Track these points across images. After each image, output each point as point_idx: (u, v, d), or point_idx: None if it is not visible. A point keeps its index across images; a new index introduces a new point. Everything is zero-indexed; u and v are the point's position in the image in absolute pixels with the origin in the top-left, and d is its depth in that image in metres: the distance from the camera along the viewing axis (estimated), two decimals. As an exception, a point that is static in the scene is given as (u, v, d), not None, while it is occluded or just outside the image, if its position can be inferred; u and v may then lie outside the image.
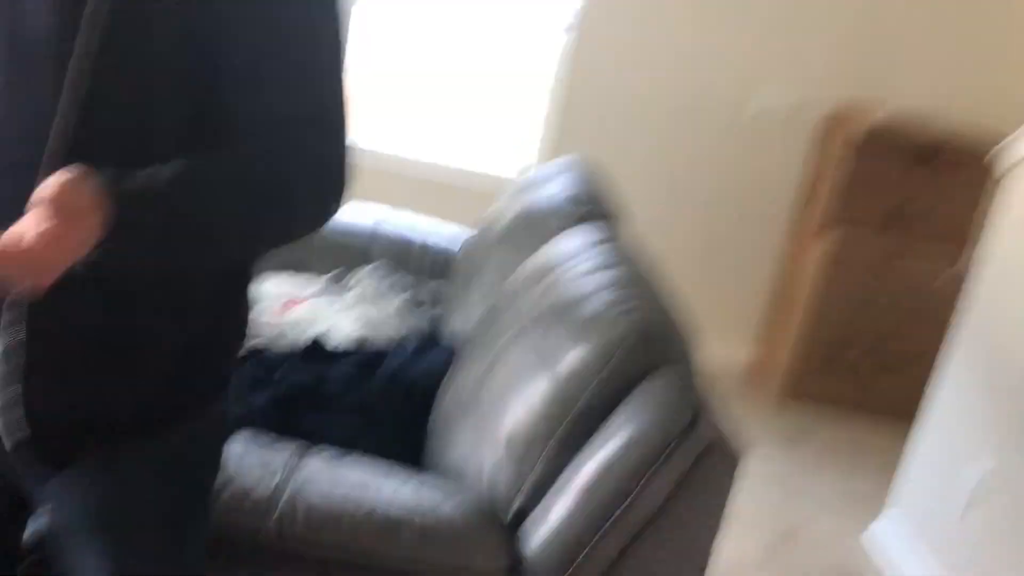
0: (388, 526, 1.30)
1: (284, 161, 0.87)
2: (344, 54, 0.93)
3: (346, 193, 0.94)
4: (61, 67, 0.80)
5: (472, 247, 2.31)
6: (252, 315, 1.08)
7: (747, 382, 3.57)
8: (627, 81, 3.39)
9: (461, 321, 2.09)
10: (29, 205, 0.72)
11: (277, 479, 1.32)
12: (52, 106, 0.81)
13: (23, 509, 1.11)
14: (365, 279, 2.29)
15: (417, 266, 2.47)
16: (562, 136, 3.47)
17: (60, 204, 0.70)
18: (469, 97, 3.58)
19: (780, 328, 3.51)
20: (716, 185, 3.52)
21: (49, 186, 0.72)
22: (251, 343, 1.94)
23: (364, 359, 1.84)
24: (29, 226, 0.69)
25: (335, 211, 0.94)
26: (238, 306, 1.04)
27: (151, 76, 0.83)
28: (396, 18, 3.50)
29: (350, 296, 2.25)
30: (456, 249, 2.52)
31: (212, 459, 1.09)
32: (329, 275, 2.35)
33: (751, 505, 2.75)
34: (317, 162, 0.89)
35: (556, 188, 2.13)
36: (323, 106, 0.90)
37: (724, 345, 3.74)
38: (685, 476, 1.30)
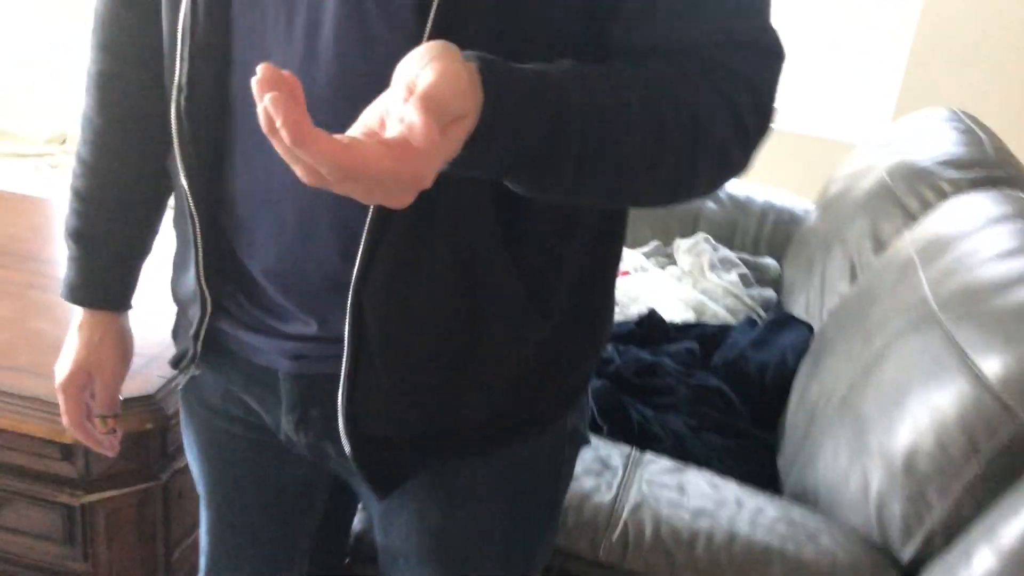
0: (755, 556, 1.04)
1: (713, 83, 0.63)
2: None
3: (766, 139, 0.68)
4: None
5: (820, 215, 1.97)
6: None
7: None
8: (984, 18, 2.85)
9: (812, 299, 1.77)
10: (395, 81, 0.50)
11: (618, 481, 1.11)
12: None
13: (353, 501, 0.98)
14: (690, 252, 2.03)
15: (752, 239, 2.16)
16: (916, 90, 2.98)
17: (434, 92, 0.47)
18: (807, 55, 3.17)
19: None
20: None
21: (418, 61, 0.49)
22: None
23: (703, 335, 1.59)
24: (391, 110, 0.47)
25: (749, 161, 0.69)
26: (606, 291, 0.82)
27: None
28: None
29: (674, 270, 2.00)
30: (796, 221, 2.18)
31: (565, 472, 0.88)
32: (648, 247, 2.12)
33: None
34: (749, 87, 0.64)
35: (936, 142, 1.73)
36: (761, 27, 0.66)
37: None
38: None
